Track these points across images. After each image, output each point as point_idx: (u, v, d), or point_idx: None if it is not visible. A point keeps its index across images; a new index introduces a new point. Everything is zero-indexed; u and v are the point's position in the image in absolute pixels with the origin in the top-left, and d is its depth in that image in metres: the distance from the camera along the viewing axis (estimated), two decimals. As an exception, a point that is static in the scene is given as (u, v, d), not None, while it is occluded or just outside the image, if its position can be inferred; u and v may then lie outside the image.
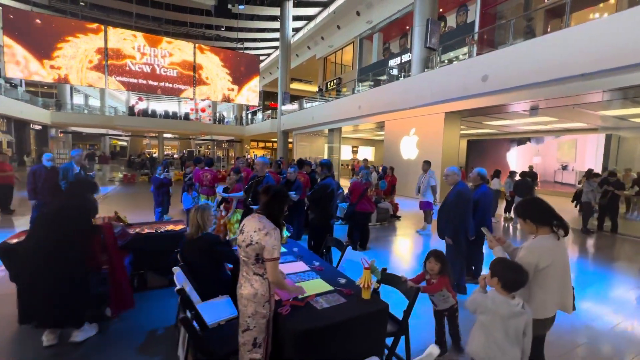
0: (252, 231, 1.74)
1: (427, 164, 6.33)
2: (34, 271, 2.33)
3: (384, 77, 15.51)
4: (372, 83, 15.91)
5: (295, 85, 29.83)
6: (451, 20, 15.71)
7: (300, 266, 2.45)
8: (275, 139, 23.07)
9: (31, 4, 14.71)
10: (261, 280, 1.73)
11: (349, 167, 21.03)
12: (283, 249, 2.88)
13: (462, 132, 16.75)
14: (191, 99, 17.59)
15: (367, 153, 23.61)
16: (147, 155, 25.60)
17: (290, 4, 21.13)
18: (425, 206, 6.35)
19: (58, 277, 2.34)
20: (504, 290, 1.63)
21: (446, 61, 12.85)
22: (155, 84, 13.00)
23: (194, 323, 1.92)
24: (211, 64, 13.91)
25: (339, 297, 1.95)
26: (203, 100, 15.53)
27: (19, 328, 2.70)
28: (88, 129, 26.55)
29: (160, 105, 44.30)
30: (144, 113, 24.62)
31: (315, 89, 23.15)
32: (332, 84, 22.19)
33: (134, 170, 19.82)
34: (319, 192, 3.70)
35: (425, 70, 11.27)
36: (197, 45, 13.58)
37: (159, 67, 12.92)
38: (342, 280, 2.18)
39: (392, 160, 12.81)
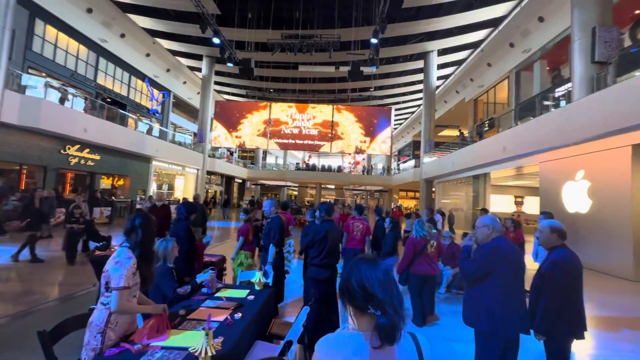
0: (110, 260, 1.80)
1: (547, 216, 4.37)
2: None
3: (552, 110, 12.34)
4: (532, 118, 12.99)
5: (445, 133, 28.11)
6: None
7: (217, 314, 2.22)
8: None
9: (231, 94, 21.71)
10: (102, 309, 1.72)
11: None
12: (234, 294, 2.68)
13: None
14: (328, 153, 19.89)
15: (535, 204, 18.53)
16: (307, 203, 29.88)
17: (434, 54, 21.01)
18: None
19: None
20: None
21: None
22: (301, 142, 15.64)
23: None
24: (346, 121, 15.46)
25: (179, 357, 1.64)
26: (337, 152, 17.14)
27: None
28: (270, 182, 33.91)
29: (327, 160, 51.57)
30: (307, 167, 29.21)
31: (465, 133, 21.02)
32: (484, 125, 19.53)
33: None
34: (307, 238, 3.26)
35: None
36: (335, 106, 15.62)
37: (305, 129, 15.56)
38: (219, 339, 1.81)
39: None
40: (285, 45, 15.04)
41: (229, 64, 14.92)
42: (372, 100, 27.99)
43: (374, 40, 12.88)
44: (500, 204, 18.41)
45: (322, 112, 15.51)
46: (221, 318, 2.16)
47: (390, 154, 32.75)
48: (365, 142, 15.38)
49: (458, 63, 21.84)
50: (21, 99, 10.45)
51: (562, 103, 11.37)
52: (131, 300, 1.77)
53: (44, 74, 13.87)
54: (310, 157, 41.10)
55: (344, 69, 19.82)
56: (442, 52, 20.81)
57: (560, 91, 12.90)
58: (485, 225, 2.28)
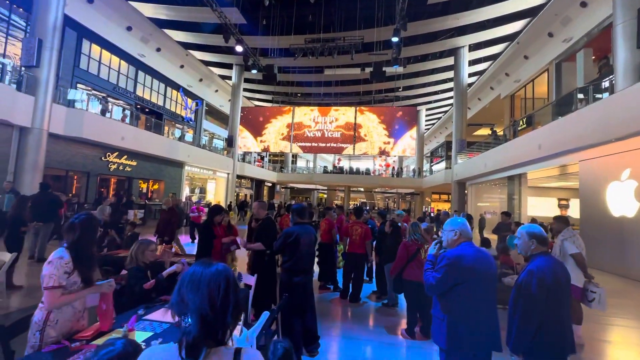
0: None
1: (560, 221, 3.86)
2: None
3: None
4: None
5: (481, 132, 26.55)
6: None
7: (158, 315, 2.23)
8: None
9: (260, 100, 22.33)
10: (41, 307, 1.79)
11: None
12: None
13: None
14: (360, 155, 19.60)
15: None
16: (334, 205, 29.84)
17: (465, 49, 20.04)
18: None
19: None
20: None
21: None
22: (324, 145, 15.60)
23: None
24: (369, 122, 15.14)
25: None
26: (361, 154, 16.79)
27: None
28: (299, 184, 34.33)
29: (358, 163, 50.95)
30: (334, 169, 29.15)
31: (498, 132, 19.66)
32: (522, 122, 18.17)
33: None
34: (278, 241, 3.16)
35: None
36: (357, 108, 15.38)
37: (327, 131, 15.51)
38: (157, 341, 1.80)
39: (593, 218, 8.61)
40: (307, 50, 15.16)
41: (253, 71, 15.36)
42: (402, 101, 27.26)
43: (395, 39, 12.54)
44: (540, 208, 16.90)
45: (344, 114, 15.36)
46: (163, 319, 2.17)
47: (422, 156, 31.69)
48: (389, 143, 14.93)
49: (492, 58, 20.60)
50: (67, 112, 11.56)
51: (607, 95, 10.20)
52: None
53: (90, 89, 15.26)
54: (339, 160, 40.93)
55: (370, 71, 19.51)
56: (474, 47, 19.78)
57: (607, 81, 11.59)
58: (452, 229, 2.06)
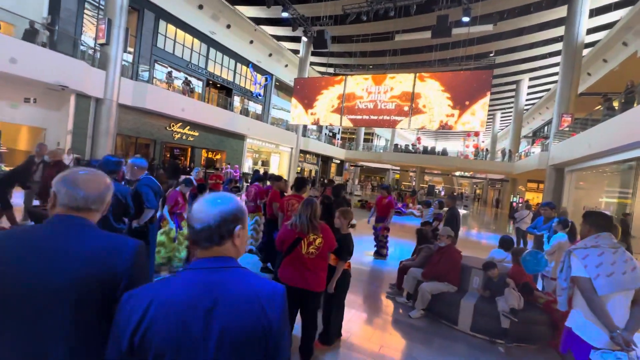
0: None
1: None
2: None
3: None
4: None
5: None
6: None
7: None
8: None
9: (329, 74, 21.41)
10: None
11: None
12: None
13: None
14: (404, 129, 17.08)
15: None
16: (403, 187, 27.70)
17: (586, -6, 15.17)
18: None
19: None
20: None
21: None
22: (375, 117, 14.00)
23: None
24: (430, 91, 12.72)
25: None
26: (419, 129, 14.43)
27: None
28: (368, 163, 32.96)
29: (446, 143, 45.87)
30: (405, 149, 26.82)
31: (615, 103, 14.27)
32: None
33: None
34: None
35: None
36: (417, 74, 13.07)
37: (380, 102, 13.79)
38: None
39: None
40: (362, 11, 13.56)
41: (304, 38, 14.62)
42: (496, 69, 22.65)
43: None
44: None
45: (400, 82, 13.28)
46: None
47: (518, 135, 26.26)
48: (452, 115, 12.23)
49: (625, 4, 15.09)
50: (134, 85, 13.07)
51: None
52: None
53: (166, 66, 17.02)
54: (419, 139, 37.39)
55: (458, 31, 15.73)
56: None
57: None
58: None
